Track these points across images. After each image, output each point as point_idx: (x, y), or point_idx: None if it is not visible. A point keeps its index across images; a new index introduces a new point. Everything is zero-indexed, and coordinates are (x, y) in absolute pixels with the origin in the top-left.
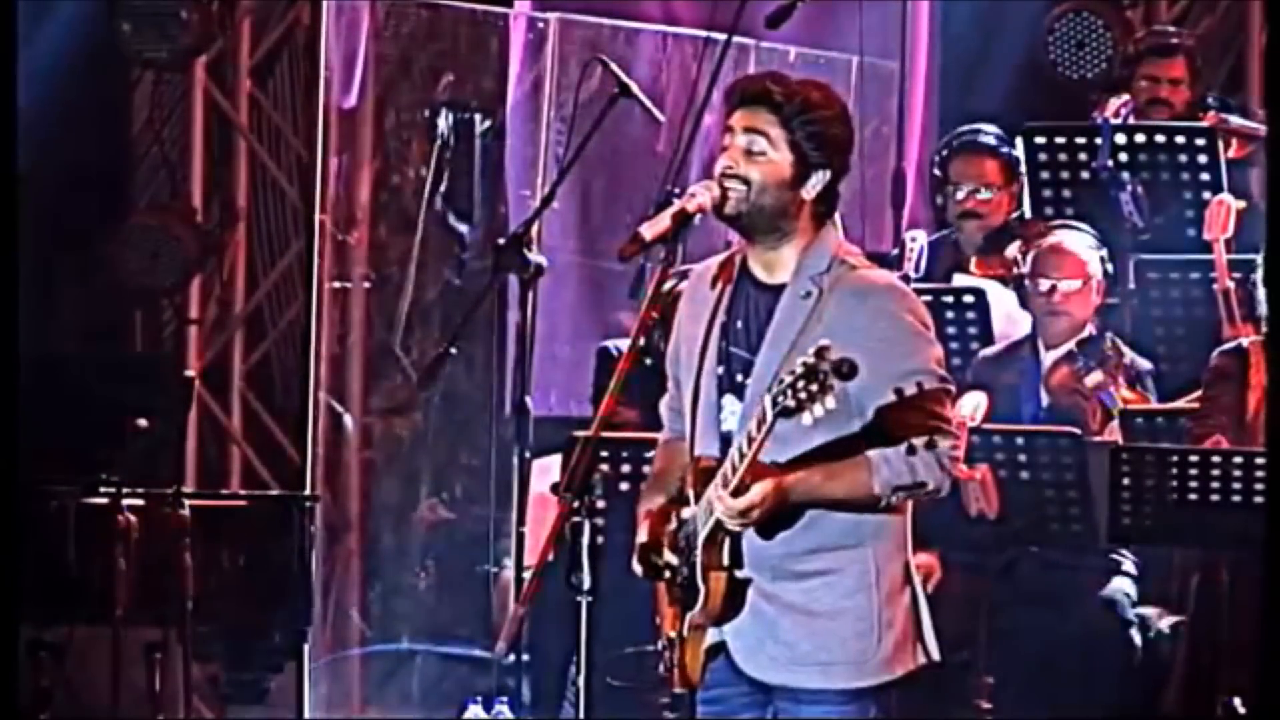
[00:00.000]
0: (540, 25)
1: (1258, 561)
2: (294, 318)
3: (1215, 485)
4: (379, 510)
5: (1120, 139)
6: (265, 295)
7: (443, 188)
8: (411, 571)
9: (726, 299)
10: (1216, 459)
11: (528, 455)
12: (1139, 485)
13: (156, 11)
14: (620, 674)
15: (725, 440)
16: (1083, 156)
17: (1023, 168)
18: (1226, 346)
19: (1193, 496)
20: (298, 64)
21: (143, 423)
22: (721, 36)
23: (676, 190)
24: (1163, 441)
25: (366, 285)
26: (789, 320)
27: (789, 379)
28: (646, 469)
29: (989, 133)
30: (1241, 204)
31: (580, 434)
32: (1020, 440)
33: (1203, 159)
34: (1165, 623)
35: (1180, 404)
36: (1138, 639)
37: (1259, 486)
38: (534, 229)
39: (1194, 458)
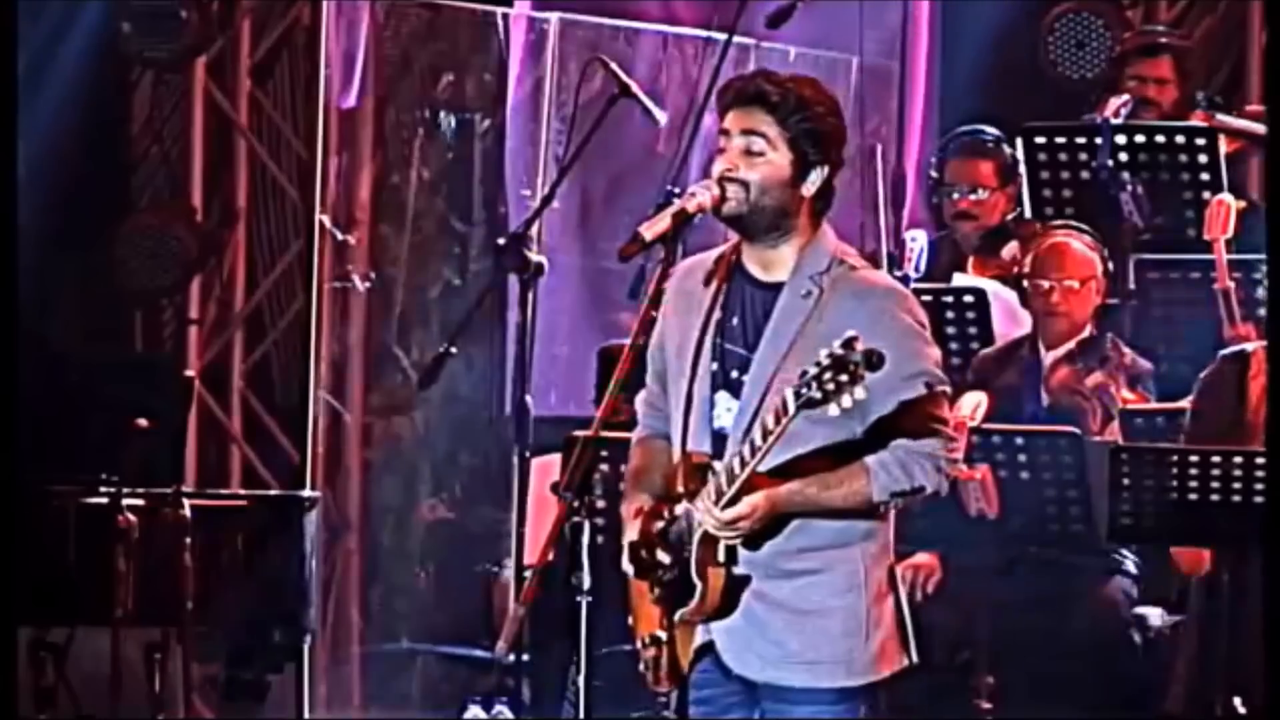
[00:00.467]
0: (540, 25)
1: (1258, 561)
2: (294, 318)
3: (1215, 485)
4: (379, 510)
5: (1120, 139)
6: (265, 295)
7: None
8: (411, 571)
9: (722, 296)
10: (1216, 459)
11: (528, 455)
12: (1139, 485)
13: (156, 11)
14: (597, 675)
15: (717, 437)
16: (1083, 156)
17: (1021, 168)
18: (1227, 352)
19: (1193, 496)
20: (298, 64)
21: (143, 422)
22: (721, 36)
23: (676, 190)
24: (1162, 441)
25: (366, 285)
26: (788, 318)
27: (814, 370)
28: None
29: (984, 134)
30: (1241, 204)
31: (580, 434)
32: (1020, 440)
33: (1203, 159)
34: (1165, 623)
35: (1180, 404)
36: (1138, 639)
37: (1259, 486)
38: (534, 229)
39: (1194, 458)
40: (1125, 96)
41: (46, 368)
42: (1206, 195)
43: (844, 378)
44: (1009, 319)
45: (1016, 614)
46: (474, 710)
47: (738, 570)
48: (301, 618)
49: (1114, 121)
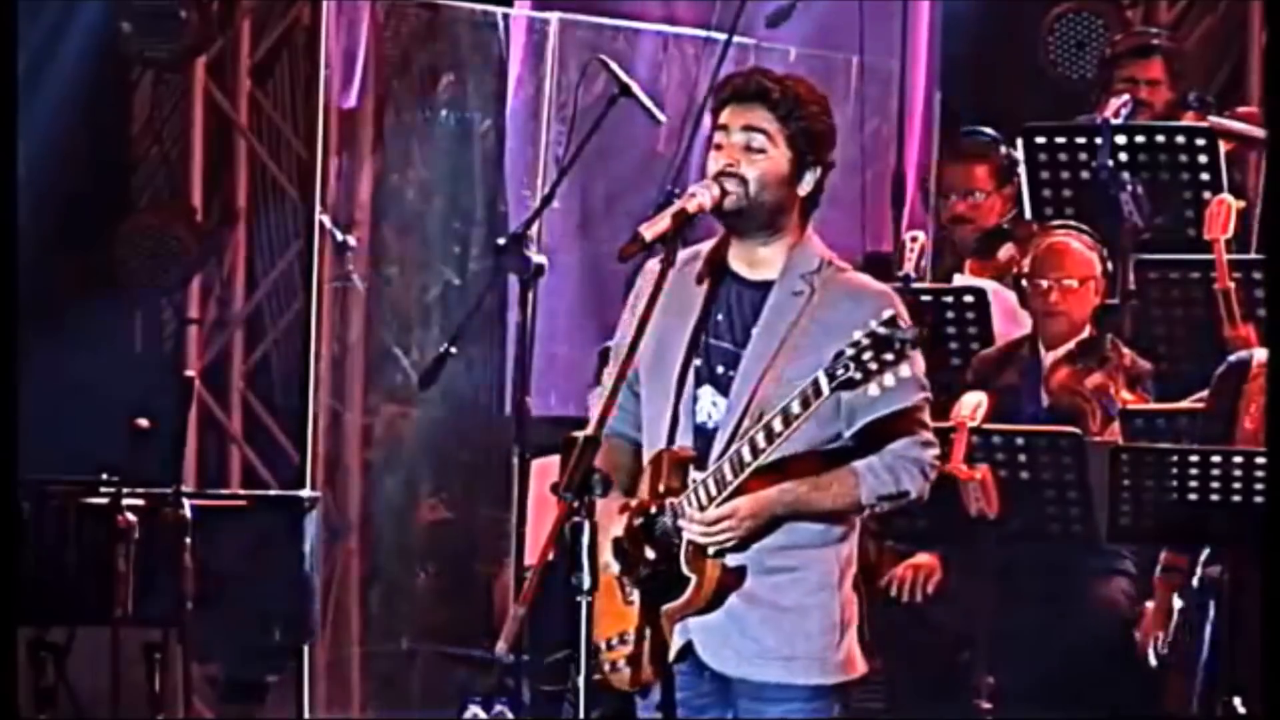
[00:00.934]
0: (540, 25)
1: (1257, 561)
2: (294, 318)
3: (1215, 485)
4: (379, 510)
5: (1120, 139)
6: (265, 295)
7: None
8: (411, 571)
9: (704, 292)
10: (1216, 459)
11: (527, 455)
12: (1139, 485)
13: (156, 11)
14: (552, 680)
15: (699, 431)
16: (1083, 156)
17: (1020, 168)
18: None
19: (1193, 496)
20: (298, 64)
21: (143, 422)
22: (721, 36)
23: (676, 190)
24: (1162, 441)
25: (366, 285)
26: (780, 316)
27: (852, 351)
28: None
29: (980, 136)
30: (1241, 204)
31: (579, 434)
32: (1020, 440)
33: (1202, 159)
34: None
35: (1180, 404)
36: (1138, 639)
37: (1259, 486)
38: (534, 229)
39: (1194, 458)
40: (1125, 97)
41: (47, 367)
42: (1206, 195)
43: (888, 356)
44: (1009, 319)
45: (1016, 614)
46: (474, 710)
47: (732, 563)
48: (301, 618)
49: (1114, 122)
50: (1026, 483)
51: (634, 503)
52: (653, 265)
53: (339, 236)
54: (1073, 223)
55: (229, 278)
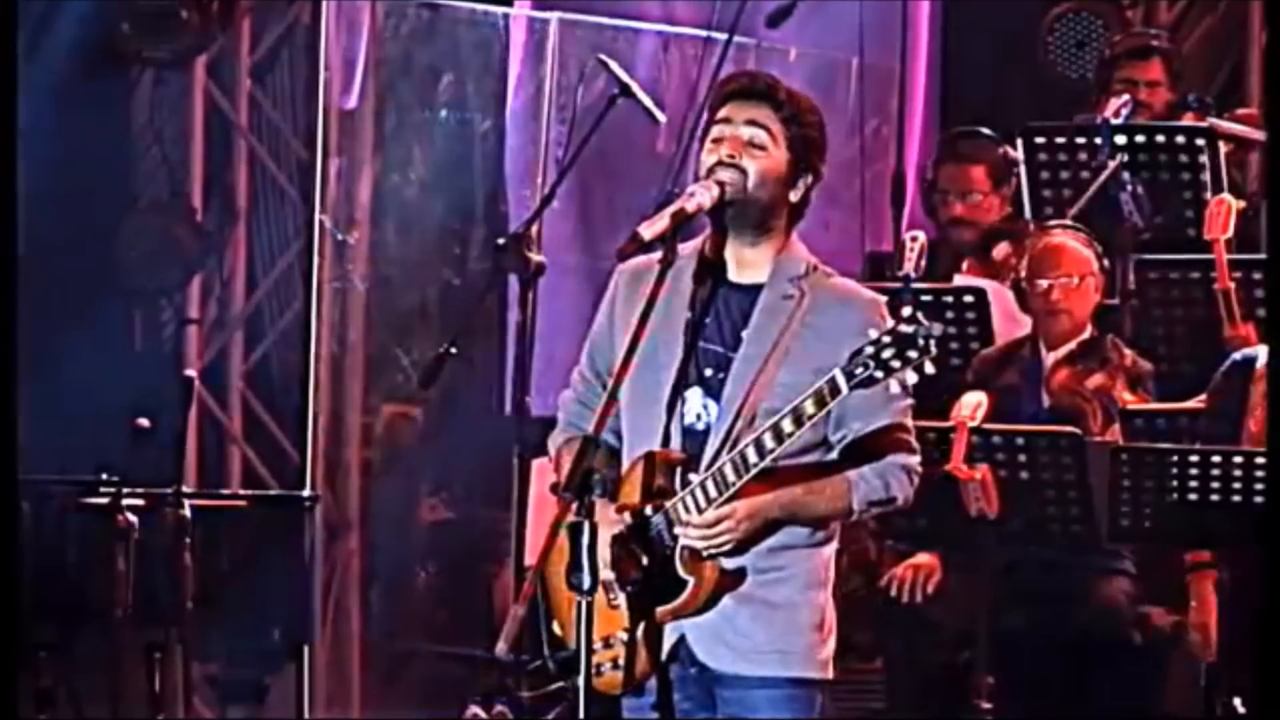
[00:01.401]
0: (540, 25)
1: (1257, 561)
2: (294, 318)
3: (1215, 485)
4: (379, 510)
5: (1120, 139)
6: (265, 295)
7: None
8: (411, 571)
9: (691, 294)
10: (1216, 459)
11: (527, 455)
12: (1139, 485)
13: (156, 11)
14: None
15: (688, 434)
16: (1083, 156)
17: (1020, 168)
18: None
19: (1193, 496)
20: (298, 64)
21: (143, 422)
22: (722, 36)
23: (676, 190)
24: (1163, 441)
25: (366, 285)
26: (770, 319)
27: (871, 349)
28: None
29: (977, 137)
30: (1241, 204)
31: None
32: (1020, 440)
33: (1202, 159)
34: (1165, 623)
35: (1180, 405)
36: (1138, 639)
37: (1259, 486)
38: (534, 229)
39: (1194, 458)
40: (1125, 97)
41: (47, 367)
42: (1206, 195)
43: (912, 353)
44: (1009, 319)
45: (1016, 614)
46: (474, 710)
47: (730, 564)
48: (301, 618)
49: (1114, 122)
50: (1026, 483)
51: (622, 505)
52: (625, 267)
53: (339, 236)
54: (1068, 221)
55: (229, 278)
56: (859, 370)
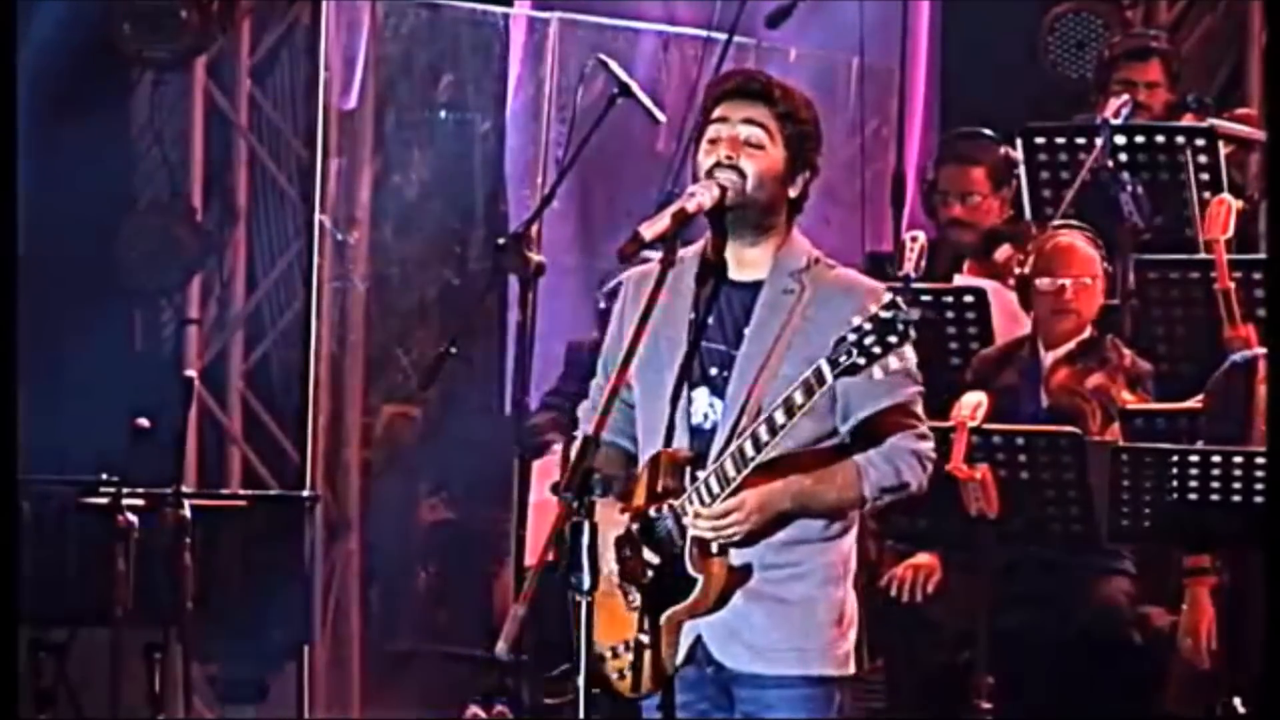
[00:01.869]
0: (540, 25)
1: (1257, 561)
2: (294, 318)
3: (1215, 485)
4: (379, 510)
5: (1120, 139)
6: (265, 295)
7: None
8: (411, 571)
9: (694, 294)
10: (1216, 459)
11: (527, 455)
12: (1139, 485)
13: (156, 11)
14: (554, 692)
15: (696, 433)
16: (1083, 156)
17: (1019, 169)
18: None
19: (1193, 496)
20: (298, 64)
21: (143, 422)
22: (721, 36)
23: (676, 190)
24: (1162, 442)
25: (366, 285)
26: (772, 315)
27: (853, 336)
28: None
29: (976, 139)
30: (1241, 204)
31: (578, 434)
32: (1020, 440)
33: (1202, 159)
34: (1165, 623)
35: (1180, 405)
36: (1138, 639)
37: (1259, 486)
38: (534, 229)
39: (1194, 458)
40: (1125, 97)
41: (47, 367)
42: (1206, 195)
43: (892, 339)
44: (1009, 319)
45: (1016, 614)
46: (474, 710)
47: (738, 560)
48: (301, 618)
49: (1114, 122)
50: (1026, 483)
51: (630, 505)
52: (632, 274)
53: (339, 236)
54: (1072, 221)
55: (229, 278)
56: (842, 358)
